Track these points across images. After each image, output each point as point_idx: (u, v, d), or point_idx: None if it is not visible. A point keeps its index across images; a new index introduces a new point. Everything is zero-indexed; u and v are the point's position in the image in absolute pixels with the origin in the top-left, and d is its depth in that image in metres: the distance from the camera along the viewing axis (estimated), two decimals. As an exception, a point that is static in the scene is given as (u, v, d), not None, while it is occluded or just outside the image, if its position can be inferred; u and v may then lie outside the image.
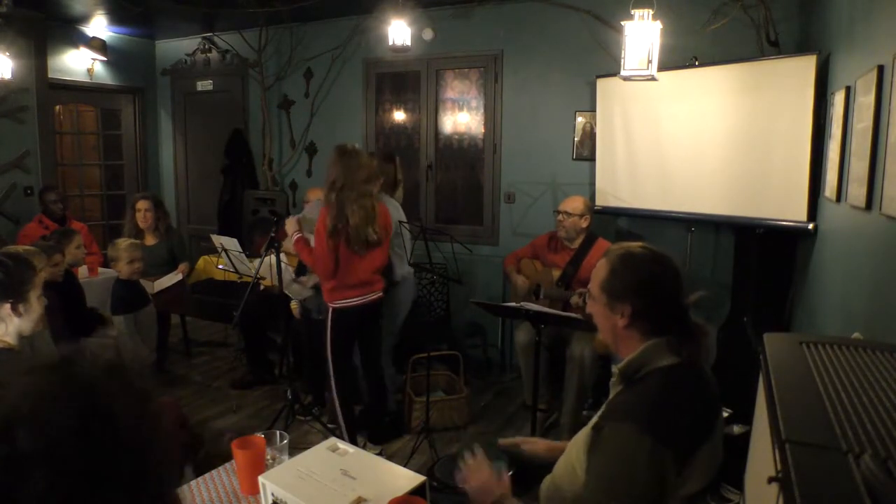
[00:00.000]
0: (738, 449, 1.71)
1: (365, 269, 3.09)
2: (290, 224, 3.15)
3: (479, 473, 1.54)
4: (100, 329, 3.73)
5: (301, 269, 3.77)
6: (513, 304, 3.17)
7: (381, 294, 3.21)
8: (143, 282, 3.97)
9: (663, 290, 1.43)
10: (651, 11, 2.60)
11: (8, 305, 1.82)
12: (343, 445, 1.65)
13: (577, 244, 3.65)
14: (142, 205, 4.47)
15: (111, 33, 5.79)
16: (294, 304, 3.80)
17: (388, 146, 5.15)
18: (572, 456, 1.47)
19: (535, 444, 1.80)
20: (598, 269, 1.50)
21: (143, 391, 0.64)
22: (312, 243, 3.11)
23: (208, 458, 2.23)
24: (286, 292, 3.67)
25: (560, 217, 3.65)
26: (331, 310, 3.09)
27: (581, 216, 3.61)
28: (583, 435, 1.47)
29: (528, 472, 1.71)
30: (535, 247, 3.86)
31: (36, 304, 1.91)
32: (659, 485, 1.25)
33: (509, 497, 1.51)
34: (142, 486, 0.60)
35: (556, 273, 3.64)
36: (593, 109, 4.12)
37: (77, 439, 0.56)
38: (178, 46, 6.07)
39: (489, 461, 1.60)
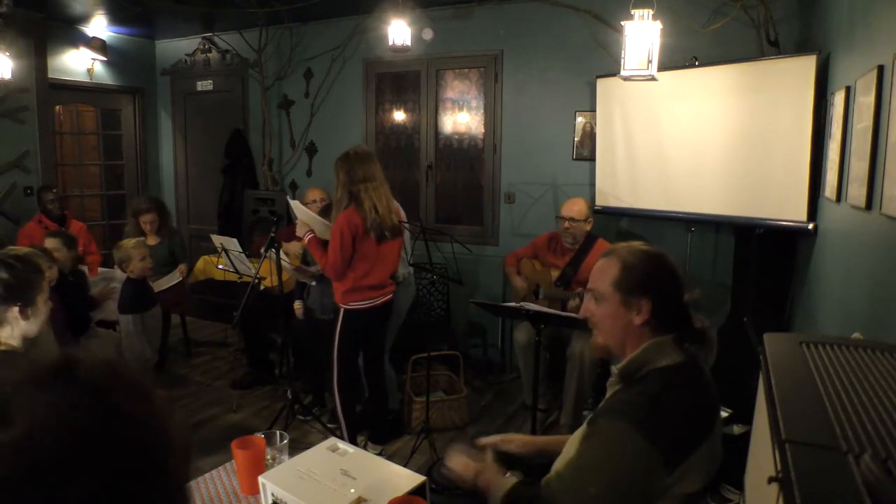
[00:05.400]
0: (738, 449, 1.72)
1: (385, 269, 3.14)
2: (301, 226, 3.18)
3: (459, 457, 1.61)
4: (94, 328, 3.75)
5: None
6: (513, 304, 3.17)
7: (390, 297, 3.23)
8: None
9: (676, 286, 1.44)
10: (651, 11, 2.60)
11: (16, 308, 1.81)
12: (343, 445, 1.65)
13: (577, 245, 3.65)
14: (146, 218, 4.51)
15: (111, 33, 5.79)
16: (297, 305, 3.81)
17: (388, 146, 5.16)
18: (570, 455, 1.47)
19: (511, 441, 1.80)
20: (605, 267, 1.46)
21: (148, 387, 0.65)
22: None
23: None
24: (297, 276, 3.71)
25: (566, 224, 3.60)
26: (342, 311, 3.10)
27: (586, 220, 3.61)
28: (579, 433, 1.48)
29: (527, 472, 1.71)
30: (536, 247, 3.85)
31: (42, 307, 1.90)
32: (644, 484, 1.27)
33: (490, 469, 1.55)
34: (168, 480, 0.62)
35: (555, 273, 3.64)
36: (593, 109, 4.12)
37: (107, 445, 0.57)
38: (178, 46, 6.07)
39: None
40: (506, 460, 1.73)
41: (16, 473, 0.53)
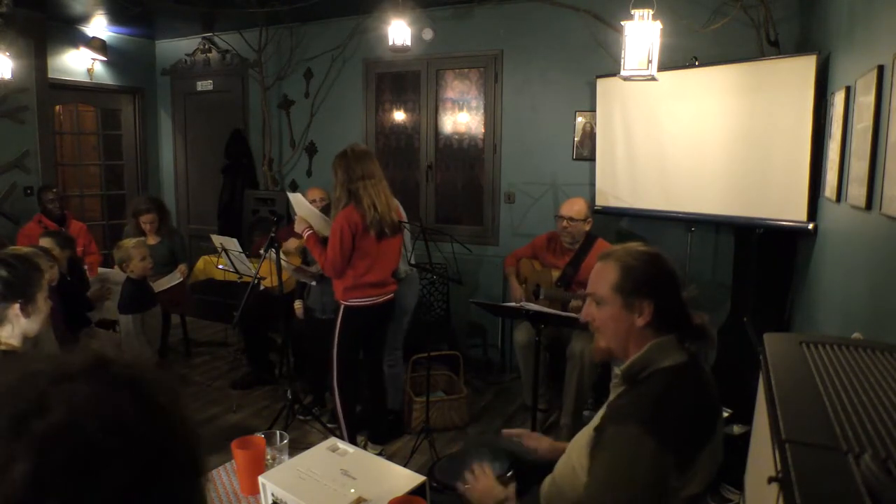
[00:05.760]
0: (738, 449, 1.72)
1: (387, 266, 3.14)
2: (300, 222, 3.17)
3: (482, 480, 1.55)
4: (94, 328, 3.75)
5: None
6: (513, 304, 3.17)
7: (391, 296, 3.22)
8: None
9: (675, 286, 1.43)
10: (651, 11, 2.60)
11: (17, 306, 1.83)
12: (343, 445, 1.65)
13: (577, 245, 3.64)
14: (146, 218, 4.51)
15: (111, 33, 5.79)
16: (298, 304, 3.81)
17: (388, 146, 5.16)
18: (573, 457, 1.47)
19: (539, 442, 1.80)
20: (604, 271, 1.45)
21: (175, 384, 0.68)
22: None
23: None
24: (297, 277, 3.71)
25: (565, 223, 3.59)
26: (342, 308, 3.09)
27: (585, 220, 3.60)
28: (584, 436, 1.47)
29: (528, 473, 1.71)
30: (535, 247, 3.85)
31: (42, 304, 1.91)
32: (660, 487, 1.25)
33: (512, 500, 1.51)
34: (196, 470, 0.65)
35: (556, 273, 3.63)
36: (593, 109, 4.12)
37: (144, 432, 0.59)
38: (178, 46, 6.07)
39: (490, 462, 1.61)
40: (517, 461, 1.72)
41: (53, 459, 0.54)
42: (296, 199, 3.25)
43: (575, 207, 3.60)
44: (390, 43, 3.90)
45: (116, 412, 0.58)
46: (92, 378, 0.60)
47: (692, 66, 3.51)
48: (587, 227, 3.62)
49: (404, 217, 3.36)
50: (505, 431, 1.88)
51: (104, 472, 0.55)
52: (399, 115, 5.12)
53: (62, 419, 0.56)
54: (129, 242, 3.75)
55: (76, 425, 0.56)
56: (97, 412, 0.57)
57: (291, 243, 3.76)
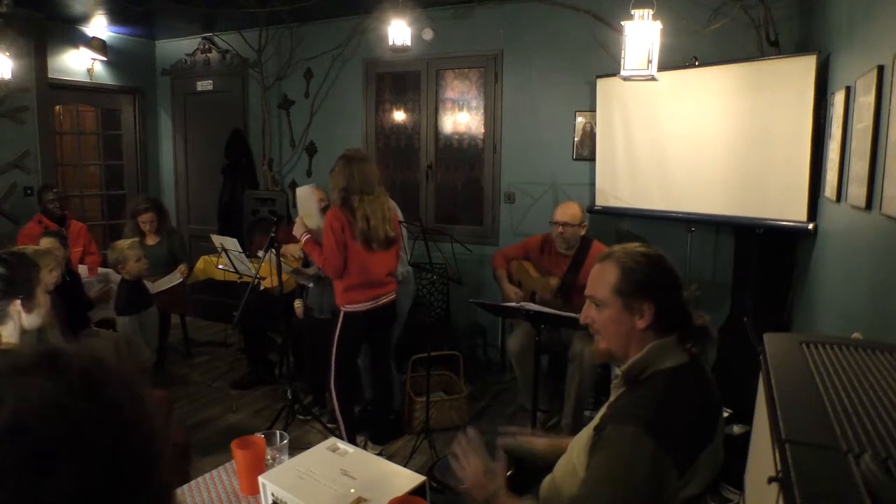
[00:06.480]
0: (738, 449, 1.72)
1: (380, 269, 3.12)
2: (299, 225, 3.18)
3: (473, 466, 1.53)
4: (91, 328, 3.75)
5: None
6: (513, 304, 3.16)
7: (393, 297, 3.21)
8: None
9: (676, 286, 1.42)
10: (651, 11, 2.61)
11: (18, 302, 1.85)
12: (343, 445, 1.65)
13: (573, 250, 3.58)
14: (145, 217, 4.50)
15: (111, 33, 5.79)
16: (298, 304, 3.81)
17: (388, 146, 5.16)
18: (573, 456, 1.46)
19: (535, 442, 1.79)
20: (604, 273, 1.44)
21: (139, 386, 0.64)
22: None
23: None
24: (294, 279, 3.70)
25: (560, 229, 3.51)
26: (342, 313, 3.09)
27: (580, 224, 3.53)
28: (584, 436, 1.47)
29: (527, 472, 1.71)
30: (528, 248, 3.76)
31: (42, 299, 1.93)
32: (659, 488, 1.24)
33: (503, 491, 1.51)
34: (153, 484, 0.61)
35: (555, 282, 3.54)
36: (593, 109, 4.12)
37: (94, 433, 0.56)
38: (178, 46, 6.07)
39: (484, 454, 1.61)
40: (516, 461, 1.72)
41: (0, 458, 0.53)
42: (303, 192, 3.23)
43: (569, 212, 3.52)
44: (390, 43, 3.90)
45: (69, 409, 0.56)
46: (43, 373, 0.58)
47: (692, 66, 3.51)
48: (583, 232, 3.56)
49: (399, 221, 3.35)
50: (501, 431, 1.86)
51: (50, 475, 0.53)
52: (399, 115, 5.12)
53: (11, 416, 0.54)
54: (123, 243, 3.73)
55: (25, 423, 0.54)
56: (50, 409, 0.55)
57: (291, 248, 3.75)
